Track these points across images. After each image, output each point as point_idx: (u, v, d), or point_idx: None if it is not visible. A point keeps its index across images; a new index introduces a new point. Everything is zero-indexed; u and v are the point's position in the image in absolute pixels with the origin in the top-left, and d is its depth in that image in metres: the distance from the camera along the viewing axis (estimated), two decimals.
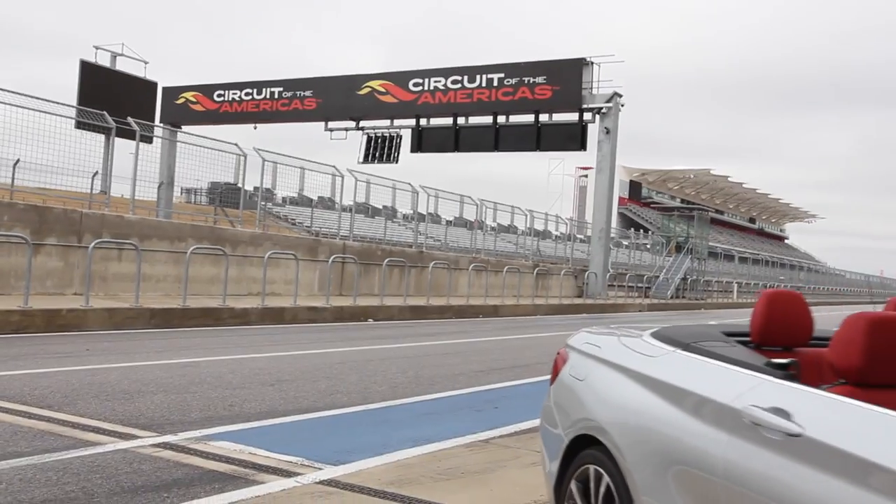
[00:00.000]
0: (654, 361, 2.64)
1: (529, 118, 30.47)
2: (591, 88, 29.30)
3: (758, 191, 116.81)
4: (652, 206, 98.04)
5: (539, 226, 43.09)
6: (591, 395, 2.87)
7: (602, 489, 2.66)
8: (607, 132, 28.84)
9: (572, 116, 29.54)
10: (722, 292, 43.76)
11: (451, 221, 36.65)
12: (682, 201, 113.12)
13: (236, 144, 18.13)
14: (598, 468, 2.69)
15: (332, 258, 17.00)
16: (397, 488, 4.21)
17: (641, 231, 62.41)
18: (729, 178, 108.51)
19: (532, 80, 30.12)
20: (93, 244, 12.07)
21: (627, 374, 2.73)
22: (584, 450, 2.81)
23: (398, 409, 6.62)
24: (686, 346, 2.61)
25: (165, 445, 4.88)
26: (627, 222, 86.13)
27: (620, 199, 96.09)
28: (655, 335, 2.84)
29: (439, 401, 7.20)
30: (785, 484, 1.89)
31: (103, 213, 14.96)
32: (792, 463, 1.88)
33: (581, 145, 29.19)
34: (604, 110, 29.03)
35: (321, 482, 4.27)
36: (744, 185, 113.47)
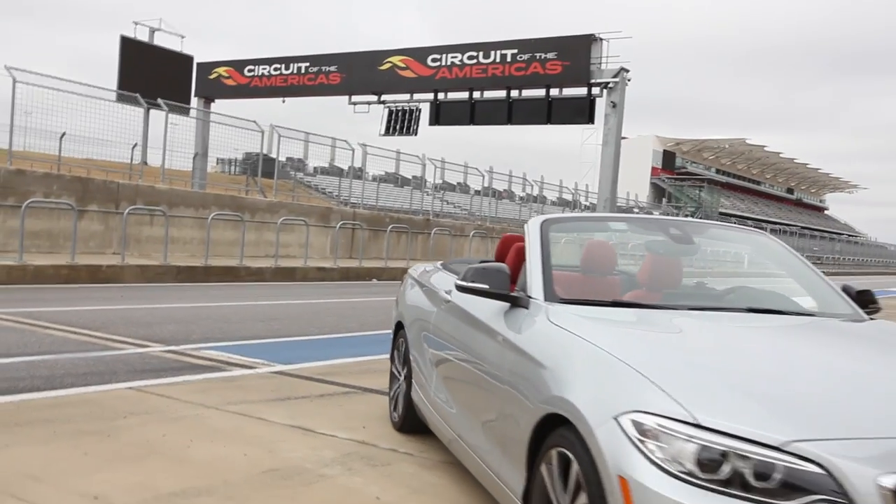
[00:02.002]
0: (427, 274, 4.52)
1: (541, 92, 31.92)
2: (600, 64, 30.63)
3: (795, 160, 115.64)
4: (684, 176, 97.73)
5: (553, 195, 44.67)
6: (402, 297, 4.77)
7: (402, 349, 4.56)
8: (614, 106, 30.18)
9: (581, 91, 30.92)
10: (735, 262, 44.84)
11: (453, 188, 38.45)
12: (718, 171, 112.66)
13: (255, 122, 20.11)
14: (402, 339, 4.59)
15: (339, 224, 18.94)
16: (324, 376, 6.12)
17: (673, 201, 63.29)
18: (765, 148, 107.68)
19: (543, 55, 31.54)
20: (127, 210, 14.19)
21: (417, 283, 4.60)
22: (399, 330, 4.71)
23: (352, 339, 8.55)
24: (444, 267, 4.46)
25: (169, 351, 6.86)
26: (660, 193, 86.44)
27: (653, 169, 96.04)
28: (442, 263, 4.69)
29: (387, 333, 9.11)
30: (450, 323, 3.74)
31: (137, 183, 17.08)
32: (450, 315, 3.74)
33: (589, 119, 30.61)
34: (611, 85, 30.35)
35: (272, 372, 6.21)
36: (780, 155, 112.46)
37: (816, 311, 3.35)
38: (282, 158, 46.41)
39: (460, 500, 3.48)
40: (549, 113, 31.42)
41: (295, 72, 38.33)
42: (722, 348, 2.66)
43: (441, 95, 34.20)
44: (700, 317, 3.00)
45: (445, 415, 3.65)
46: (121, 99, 19.63)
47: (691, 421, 2.01)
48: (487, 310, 3.26)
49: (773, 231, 72.45)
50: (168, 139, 19.44)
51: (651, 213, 46.98)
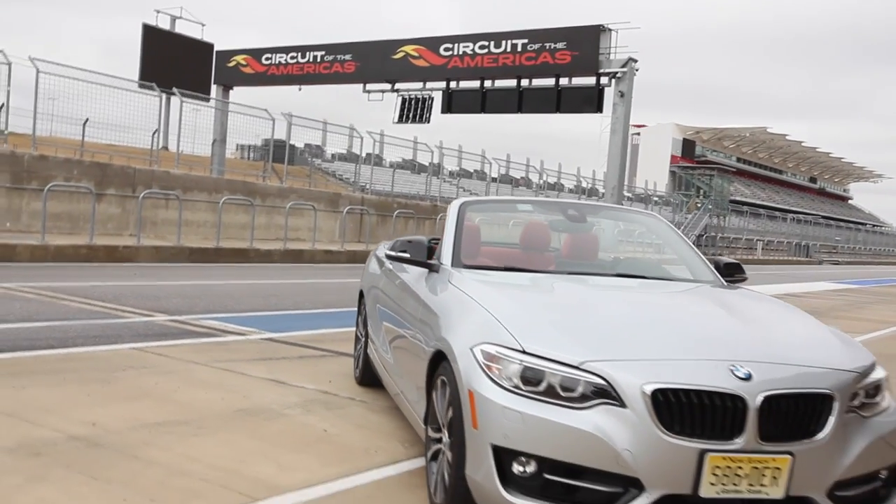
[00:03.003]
0: (381, 247, 5.23)
1: (550, 82, 32.37)
2: (608, 54, 31.05)
3: (818, 149, 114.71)
4: (694, 164, 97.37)
5: (570, 183, 45.14)
6: (365, 270, 5.48)
7: (363, 315, 5.27)
8: (622, 95, 30.61)
9: (590, 80, 31.34)
10: (747, 249, 45.14)
11: (470, 175, 39.03)
12: (739, 160, 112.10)
13: (266, 110, 20.87)
14: (363, 305, 5.31)
15: (347, 209, 19.68)
16: (307, 343, 6.85)
17: (694, 189, 63.42)
18: (787, 137, 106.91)
19: (553, 45, 31.97)
20: (142, 194, 15.02)
21: (375, 257, 5.31)
22: (361, 298, 5.43)
23: (343, 313, 9.25)
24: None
25: (172, 321, 7.63)
26: (678, 181, 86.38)
27: (672, 157, 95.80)
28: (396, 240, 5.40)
29: None
30: (389, 288, 4.44)
31: (153, 168, 17.92)
32: (389, 281, 4.44)
33: (597, 108, 31.06)
34: (619, 75, 30.74)
35: (261, 339, 6.95)
36: (803, 144, 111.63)
37: (682, 277, 4.01)
38: (300, 145, 47.27)
39: (394, 433, 4.19)
40: (559, 102, 31.89)
41: (311, 60, 39.02)
42: (573, 301, 3.34)
43: (453, 84, 34.75)
44: (575, 279, 3.69)
45: (387, 365, 4.35)
46: (140, 87, 20.45)
47: (520, 349, 2.70)
48: (411, 274, 3.97)
49: (792, 220, 72.38)
50: (189, 126, 20.32)
51: (669, 201, 47.34)
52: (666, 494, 2.49)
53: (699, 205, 40.13)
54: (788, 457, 2.50)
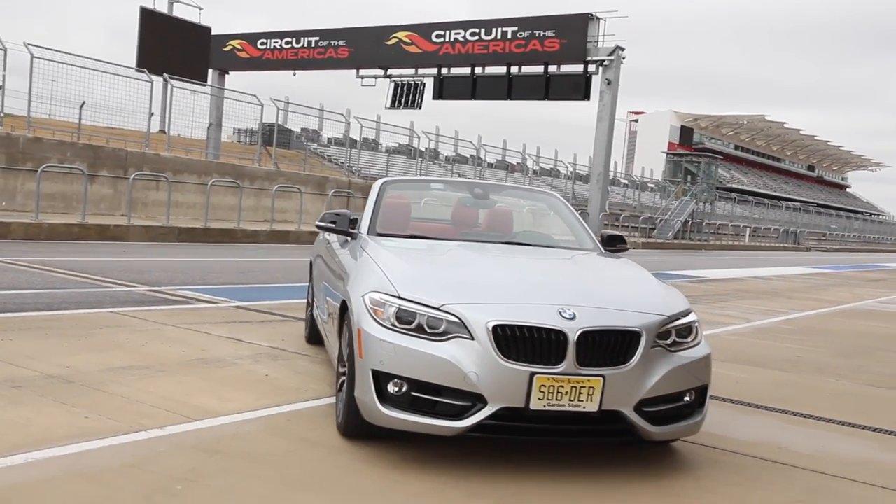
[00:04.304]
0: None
1: (539, 69, 32.96)
2: (597, 42, 31.60)
3: (816, 137, 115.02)
4: (694, 152, 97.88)
5: (566, 168, 45.71)
6: (315, 243, 6.16)
7: (312, 281, 5.96)
8: (608, 83, 31.19)
9: (578, 68, 31.93)
10: (734, 235, 45.81)
11: (466, 160, 39.68)
12: (737, 147, 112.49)
13: (255, 95, 21.47)
14: (312, 274, 6.00)
15: (332, 191, 20.35)
16: (272, 310, 7.54)
17: (682, 175, 63.98)
18: (785, 125, 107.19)
19: (542, 33, 32.52)
20: (133, 176, 15.69)
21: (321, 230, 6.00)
22: (311, 267, 6.12)
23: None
24: None
25: (151, 290, 8.33)
26: (675, 168, 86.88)
27: (670, 144, 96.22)
28: None
29: None
30: (324, 254, 5.12)
31: (144, 151, 18.57)
32: (324, 248, 5.12)
33: (585, 95, 31.67)
34: (606, 63, 31.33)
35: (230, 307, 7.64)
36: (801, 132, 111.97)
37: (566, 246, 4.69)
38: (297, 129, 47.76)
39: (326, 378, 4.88)
40: (547, 89, 32.50)
41: (305, 46, 39.60)
42: (453, 261, 4.04)
43: (445, 70, 35.35)
44: (468, 246, 4.38)
45: (323, 322, 5.04)
46: (136, 72, 21.05)
47: (397, 295, 3.39)
48: (338, 242, 4.66)
49: (787, 208, 72.98)
50: (186, 110, 20.94)
51: (665, 187, 47.96)
52: (504, 407, 3.18)
53: (686, 191, 40.75)
54: (601, 379, 3.19)
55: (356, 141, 38.78)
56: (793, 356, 7.16)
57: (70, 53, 17.71)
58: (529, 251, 4.48)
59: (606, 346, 3.25)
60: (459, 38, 34.74)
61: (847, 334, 9.06)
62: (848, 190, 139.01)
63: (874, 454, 4.16)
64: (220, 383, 4.55)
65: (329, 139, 52.78)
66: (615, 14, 31.40)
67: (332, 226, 4.52)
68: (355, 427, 3.52)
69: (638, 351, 3.28)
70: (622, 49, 31.30)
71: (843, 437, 4.43)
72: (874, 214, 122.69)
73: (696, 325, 3.61)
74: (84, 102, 20.51)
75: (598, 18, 31.44)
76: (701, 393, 3.55)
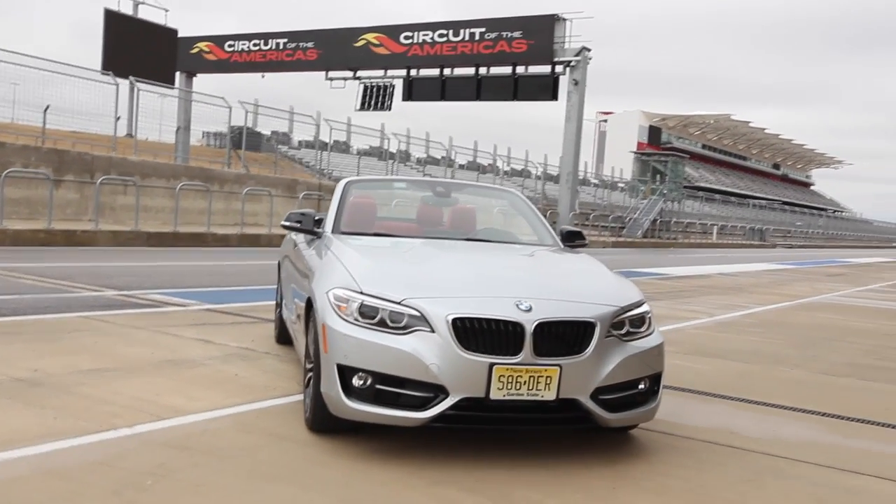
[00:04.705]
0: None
1: (508, 70, 33.19)
2: (563, 43, 31.91)
3: (780, 136, 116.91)
4: (661, 151, 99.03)
5: (537, 170, 46.03)
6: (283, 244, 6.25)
7: (280, 282, 6.03)
8: (576, 83, 31.52)
9: (545, 69, 32.21)
10: (702, 233, 46.46)
11: (437, 162, 39.84)
12: (704, 147, 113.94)
13: (223, 98, 21.40)
14: (280, 275, 6.07)
15: (303, 194, 20.35)
16: (241, 312, 7.59)
17: (649, 175, 64.65)
18: (750, 124, 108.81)
19: (510, 34, 32.74)
20: (100, 180, 15.58)
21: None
22: (279, 268, 6.20)
23: None
24: None
25: (120, 294, 8.33)
26: (644, 168, 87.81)
27: (638, 144, 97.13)
28: None
29: None
30: (291, 254, 5.20)
31: (110, 155, 18.43)
32: (291, 248, 5.21)
33: (553, 96, 31.95)
34: (573, 63, 31.64)
35: (200, 309, 7.68)
36: (766, 131, 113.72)
37: (526, 242, 4.83)
38: (267, 132, 47.49)
39: (294, 376, 4.96)
40: (516, 90, 32.73)
41: (273, 47, 39.43)
42: (415, 257, 4.17)
43: (414, 72, 35.44)
44: (430, 243, 4.50)
45: (290, 321, 5.13)
46: (102, 76, 20.87)
47: (360, 291, 3.49)
48: (303, 242, 4.75)
49: (754, 206, 74.15)
50: (154, 113, 20.78)
51: (634, 186, 48.50)
52: (465, 397, 3.30)
53: (654, 190, 41.27)
54: (557, 368, 3.32)
55: (327, 143, 38.75)
56: (752, 348, 7.38)
57: (33, 56, 17.55)
58: (490, 247, 4.61)
59: (562, 337, 3.38)
60: (428, 39, 34.86)
61: (805, 327, 9.33)
62: (812, 188, 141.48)
63: (821, 436, 4.35)
64: (189, 383, 4.62)
65: (300, 142, 52.64)
66: (581, 15, 31.78)
67: (298, 225, 4.62)
68: (322, 421, 3.62)
69: (593, 341, 3.42)
70: (588, 50, 31.64)
71: (792, 422, 4.63)
72: (837, 211, 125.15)
73: (649, 315, 3.76)
74: (48, 106, 20.29)
75: (565, 19, 31.76)
76: (655, 380, 3.70)
